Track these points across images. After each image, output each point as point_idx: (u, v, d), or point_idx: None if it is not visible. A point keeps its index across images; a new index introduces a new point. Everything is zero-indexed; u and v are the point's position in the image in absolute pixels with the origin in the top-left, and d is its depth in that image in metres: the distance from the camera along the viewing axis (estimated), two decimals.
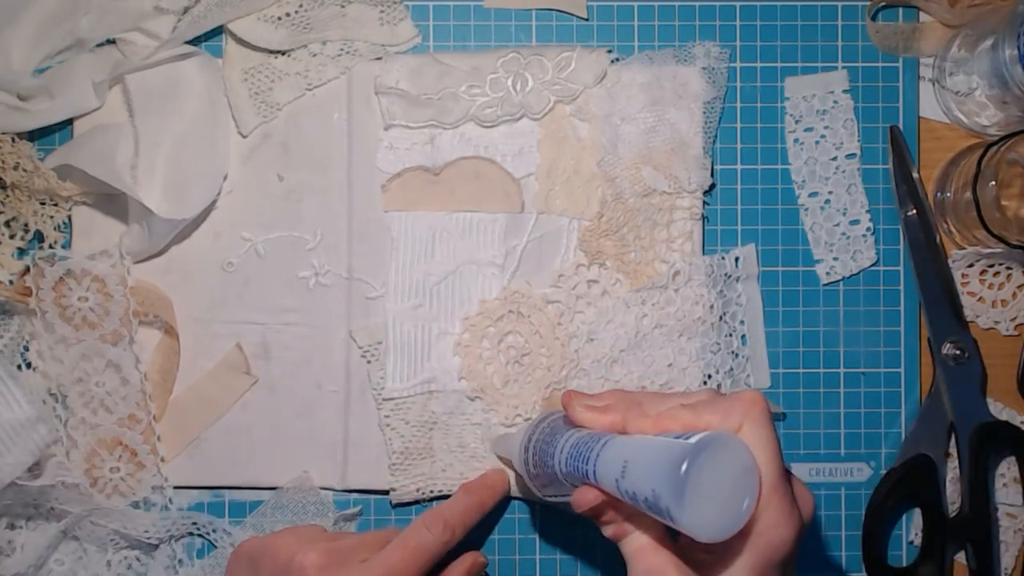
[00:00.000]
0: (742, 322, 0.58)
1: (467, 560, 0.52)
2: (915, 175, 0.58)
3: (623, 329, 0.57)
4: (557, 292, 0.57)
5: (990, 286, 0.58)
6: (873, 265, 0.59)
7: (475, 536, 0.56)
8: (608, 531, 0.44)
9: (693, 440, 0.37)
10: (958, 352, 0.57)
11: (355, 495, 0.58)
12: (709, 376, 0.57)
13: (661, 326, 0.57)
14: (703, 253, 0.58)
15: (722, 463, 0.37)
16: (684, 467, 0.36)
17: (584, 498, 0.43)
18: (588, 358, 0.57)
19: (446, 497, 0.57)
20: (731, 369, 0.57)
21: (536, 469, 0.48)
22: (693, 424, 0.41)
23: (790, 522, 0.40)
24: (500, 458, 0.57)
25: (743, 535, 0.39)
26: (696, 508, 0.36)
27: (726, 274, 0.58)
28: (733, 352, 0.58)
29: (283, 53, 0.57)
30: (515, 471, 0.54)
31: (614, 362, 0.57)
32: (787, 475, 0.41)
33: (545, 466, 0.47)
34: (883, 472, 0.58)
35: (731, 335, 0.58)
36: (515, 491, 0.57)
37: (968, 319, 0.58)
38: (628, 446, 0.41)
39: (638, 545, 0.43)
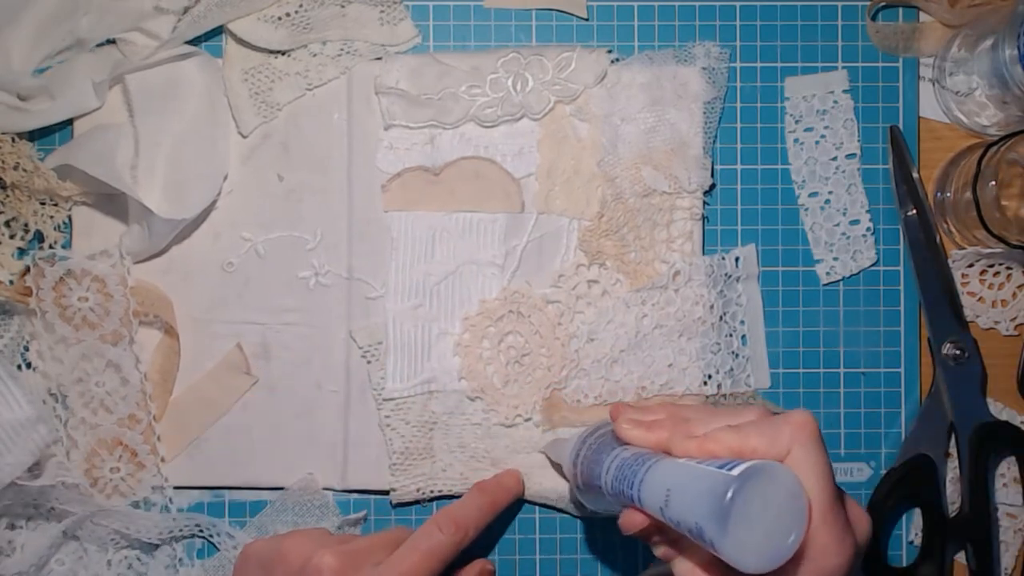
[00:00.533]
0: (742, 322, 0.58)
1: (475, 567, 0.52)
2: (915, 175, 0.58)
3: (623, 329, 0.57)
4: (557, 292, 0.57)
5: (990, 286, 0.58)
6: (873, 265, 0.59)
7: (485, 537, 0.56)
8: (658, 552, 0.43)
9: (736, 471, 0.36)
10: (958, 352, 0.57)
11: (355, 495, 0.58)
12: (709, 376, 0.57)
13: (661, 326, 0.57)
14: (703, 253, 0.58)
15: (768, 493, 0.36)
16: (727, 499, 0.35)
17: (630, 522, 0.42)
18: (588, 358, 0.57)
19: (447, 497, 0.57)
20: (731, 369, 0.57)
21: (584, 485, 0.48)
22: (739, 449, 0.40)
23: (842, 548, 0.39)
24: (551, 462, 0.56)
25: (794, 562, 0.38)
26: (741, 540, 0.36)
27: (726, 274, 0.58)
28: (733, 352, 0.58)
29: (283, 53, 0.57)
30: (565, 478, 0.54)
31: (614, 362, 0.57)
32: (840, 499, 0.40)
33: (592, 483, 0.46)
34: (883, 472, 0.58)
35: (731, 335, 0.58)
36: (556, 502, 0.57)
37: (968, 319, 0.58)
38: (671, 474, 0.40)
39: (687, 567, 0.42)
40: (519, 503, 0.58)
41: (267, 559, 0.49)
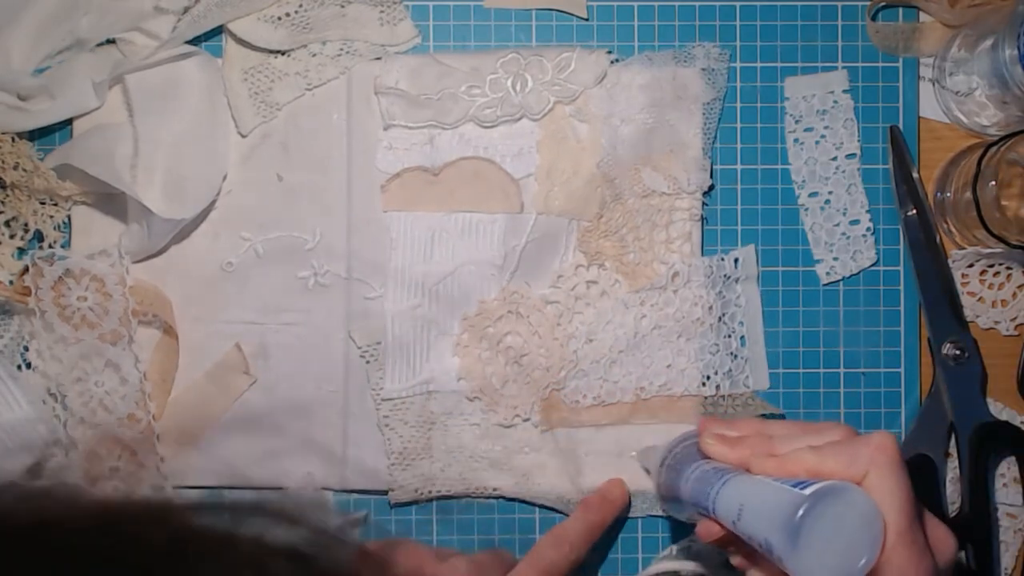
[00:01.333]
0: (741, 323, 0.58)
1: None
2: (915, 175, 0.58)
3: (622, 330, 0.57)
4: (556, 293, 0.57)
5: (990, 286, 0.58)
6: (873, 265, 0.59)
7: (598, 554, 0.57)
8: (734, 561, 0.44)
9: (808, 491, 0.36)
10: (958, 352, 0.57)
11: (354, 495, 0.58)
12: (708, 377, 0.57)
13: (660, 327, 0.57)
14: (702, 254, 0.58)
15: (840, 514, 0.36)
16: (798, 517, 0.36)
17: (707, 531, 0.43)
18: (587, 359, 0.57)
19: (445, 497, 0.57)
20: (730, 370, 0.57)
21: (666, 492, 0.49)
22: (817, 470, 0.40)
23: (919, 570, 0.39)
24: (643, 468, 0.57)
25: None
26: (811, 559, 0.36)
27: (725, 275, 0.57)
28: (732, 353, 0.58)
29: (283, 53, 0.57)
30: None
31: (613, 363, 0.57)
32: (919, 521, 0.40)
33: (673, 491, 0.47)
34: None
35: (730, 336, 0.58)
36: (555, 503, 0.58)
37: (968, 319, 0.58)
38: (745, 489, 0.41)
39: None
40: (520, 505, 0.58)
41: (388, 560, 0.49)
